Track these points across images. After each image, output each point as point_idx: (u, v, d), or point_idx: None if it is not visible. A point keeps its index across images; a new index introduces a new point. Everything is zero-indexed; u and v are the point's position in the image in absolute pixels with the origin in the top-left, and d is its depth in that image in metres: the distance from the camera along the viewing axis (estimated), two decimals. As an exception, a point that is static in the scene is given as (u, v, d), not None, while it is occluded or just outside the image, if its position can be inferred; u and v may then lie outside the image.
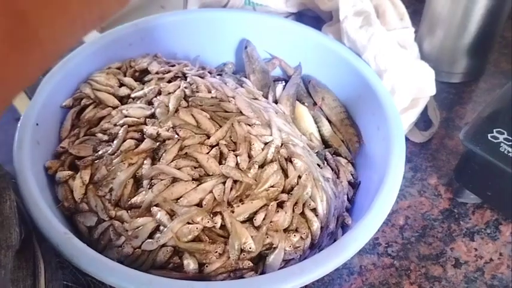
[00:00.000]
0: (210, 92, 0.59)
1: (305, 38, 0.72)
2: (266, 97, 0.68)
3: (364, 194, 0.59)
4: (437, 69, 0.68)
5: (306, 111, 0.68)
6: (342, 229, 0.56)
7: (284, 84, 0.72)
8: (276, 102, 0.69)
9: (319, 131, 0.67)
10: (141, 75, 0.65)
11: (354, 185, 0.62)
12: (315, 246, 0.51)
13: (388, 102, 0.61)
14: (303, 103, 0.70)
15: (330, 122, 0.69)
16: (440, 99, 0.79)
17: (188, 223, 0.47)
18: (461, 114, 0.78)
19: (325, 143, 0.67)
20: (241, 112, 0.57)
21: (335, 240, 0.54)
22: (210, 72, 0.67)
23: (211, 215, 0.48)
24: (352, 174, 0.63)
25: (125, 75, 0.64)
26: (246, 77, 0.71)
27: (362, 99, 0.65)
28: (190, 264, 0.46)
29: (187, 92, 0.58)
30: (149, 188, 0.50)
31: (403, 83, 0.63)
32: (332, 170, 0.61)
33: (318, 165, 0.58)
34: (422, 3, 0.81)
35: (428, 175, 0.70)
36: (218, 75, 0.70)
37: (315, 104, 0.70)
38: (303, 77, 0.73)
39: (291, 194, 0.51)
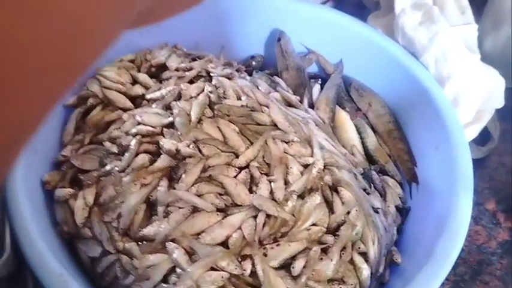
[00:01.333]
0: (239, 98, 0.49)
1: (349, 32, 0.61)
2: (301, 100, 0.58)
3: (418, 224, 0.50)
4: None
5: (347, 119, 0.59)
6: (389, 268, 0.48)
7: (321, 83, 0.62)
8: (311, 105, 0.59)
9: (362, 143, 0.58)
10: (158, 71, 0.55)
11: (401, 210, 0.53)
12: (362, 297, 0.42)
13: (451, 117, 0.51)
14: (344, 107, 0.60)
15: (374, 132, 0.59)
16: (499, 108, 0.68)
17: (212, 268, 0.38)
18: (523, 126, 0.67)
19: (369, 158, 0.57)
20: (276, 125, 0.47)
21: (382, 284, 0.46)
22: (237, 70, 0.57)
23: (239, 259, 0.39)
24: (400, 198, 0.54)
25: (139, 71, 0.55)
26: (277, 75, 0.62)
27: (417, 112, 0.55)
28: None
29: (213, 97, 0.48)
30: (165, 217, 0.42)
31: (469, 94, 0.53)
32: (379, 193, 0.51)
33: (365, 189, 0.49)
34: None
35: (485, 199, 0.60)
36: (246, 71, 0.60)
37: (357, 110, 0.60)
38: (342, 78, 0.63)
39: (338, 235, 0.41)
